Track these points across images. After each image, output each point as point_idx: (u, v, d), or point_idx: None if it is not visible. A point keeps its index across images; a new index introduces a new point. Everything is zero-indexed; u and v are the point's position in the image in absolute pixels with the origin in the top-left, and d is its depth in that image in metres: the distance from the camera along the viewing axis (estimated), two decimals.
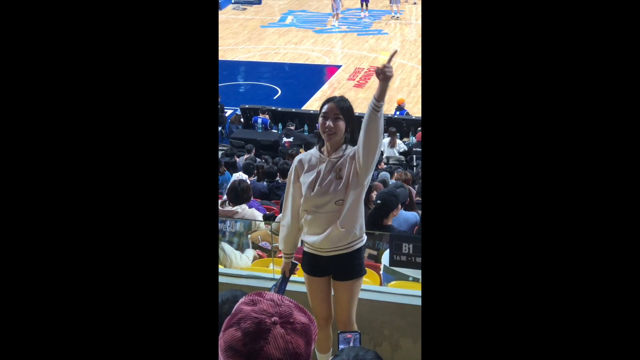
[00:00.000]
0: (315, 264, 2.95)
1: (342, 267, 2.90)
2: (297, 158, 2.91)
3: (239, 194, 4.72)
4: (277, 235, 4.53)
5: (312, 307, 3.04)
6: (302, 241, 3.00)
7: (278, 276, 3.56)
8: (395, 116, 11.85)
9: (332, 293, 3.02)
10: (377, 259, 4.17)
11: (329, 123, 2.73)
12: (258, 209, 5.40)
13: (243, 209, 4.78)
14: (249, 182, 5.85)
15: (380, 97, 2.59)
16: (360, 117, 2.67)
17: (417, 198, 5.70)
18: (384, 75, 2.58)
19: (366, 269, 3.79)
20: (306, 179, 2.81)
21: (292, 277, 3.63)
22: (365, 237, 2.93)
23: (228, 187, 4.94)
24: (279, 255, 4.36)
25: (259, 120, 11.99)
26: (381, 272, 3.68)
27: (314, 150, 2.88)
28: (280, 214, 3.01)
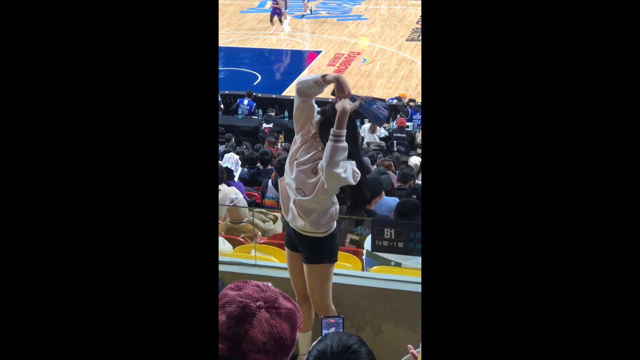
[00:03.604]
0: (289, 236, 3.04)
1: (307, 249, 2.94)
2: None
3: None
4: (258, 225, 4.55)
5: (291, 281, 3.12)
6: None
7: (261, 262, 3.56)
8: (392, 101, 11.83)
9: None
10: (359, 244, 4.18)
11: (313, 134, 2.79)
12: (242, 193, 5.39)
13: (223, 187, 4.81)
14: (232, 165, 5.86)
15: (339, 125, 2.60)
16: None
17: (398, 183, 5.73)
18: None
19: (349, 254, 3.82)
20: (305, 133, 2.82)
21: (276, 264, 3.64)
22: (333, 228, 2.93)
23: None
24: (261, 241, 4.37)
25: (245, 102, 11.92)
26: (364, 257, 3.70)
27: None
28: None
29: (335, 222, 2.93)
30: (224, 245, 4.09)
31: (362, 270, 3.67)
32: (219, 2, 19.23)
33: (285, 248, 3.11)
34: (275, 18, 16.68)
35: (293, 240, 3.00)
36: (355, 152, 2.73)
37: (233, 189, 4.98)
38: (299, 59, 15.60)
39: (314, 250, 2.92)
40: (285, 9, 16.98)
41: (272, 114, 11.37)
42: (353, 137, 2.72)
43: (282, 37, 16.74)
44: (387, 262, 3.49)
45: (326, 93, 2.86)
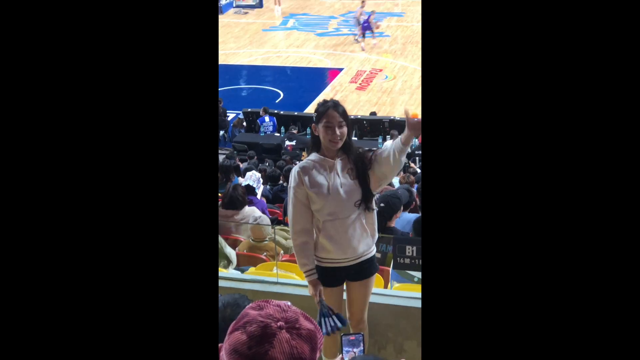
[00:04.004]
0: (332, 275, 2.90)
1: (360, 270, 2.90)
2: (297, 167, 2.81)
3: (233, 200, 4.78)
4: (280, 242, 4.56)
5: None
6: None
7: (283, 280, 3.57)
8: (398, 119, 11.85)
9: (345, 297, 3.01)
10: (382, 261, 4.17)
11: (338, 132, 2.70)
12: (263, 211, 5.41)
13: (244, 209, 4.83)
14: (253, 186, 5.87)
15: (406, 142, 2.61)
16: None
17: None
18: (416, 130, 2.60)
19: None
20: (319, 183, 2.74)
21: (298, 281, 3.63)
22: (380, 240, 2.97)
23: (224, 192, 4.99)
24: (283, 258, 4.38)
25: (267, 119, 11.96)
26: (391, 270, 3.68)
27: (314, 156, 2.80)
28: (292, 228, 2.85)
29: None
30: (226, 248, 4.13)
31: (385, 287, 3.66)
32: (242, 21, 19.47)
33: (331, 289, 2.92)
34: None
35: (342, 276, 2.92)
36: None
37: (254, 208, 5.00)
38: (320, 77, 15.67)
39: (366, 267, 2.91)
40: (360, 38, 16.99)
41: (295, 131, 11.42)
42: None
43: (303, 54, 16.84)
44: (411, 279, 3.49)
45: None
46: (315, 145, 2.80)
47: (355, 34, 17.47)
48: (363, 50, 16.73)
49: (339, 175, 2.75)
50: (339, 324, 2.74)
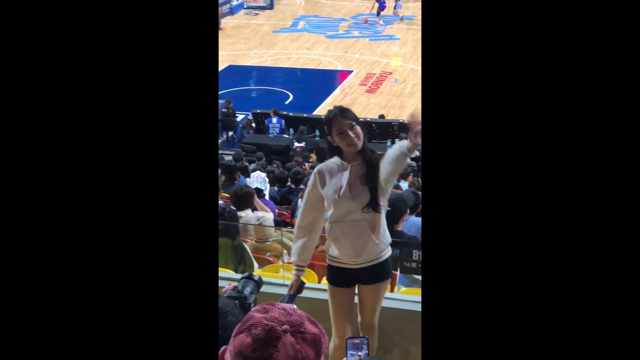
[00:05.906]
0: (342, 276, 2.92)
1: (371, 274, 2.90)
2: (316, 168, 2.89)
3: (240, 199, 4.78)
4: (287, 244, 4.55)
5: (334, 318, 2.99)
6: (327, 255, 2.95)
7: (289, 281, 3.56)
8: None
9: (357, 299, 3.00)
10: (392, 265, 4.16)
11: (352, 134, 2.71)
12: (273, 212, 5.41)
13: (247, 214, 4.82)
14: (261, 187, 5.87)
15: (411, 150, 2.60)
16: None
17: None
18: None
19: None
20: (331, 185, 2.79)
21: (305, 284, 3.62)
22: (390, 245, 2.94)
23: (232, 191, 4.99)
24: (289, 260, 4.37)
25: (274, 120, 11.98)
26: (398, 274, 3.68)
27: (335, 159, 2.84)
28: (297, 222, 2.95)
29: None
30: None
31: (392, 291, 3.65)
32: (253, 22, 19.51)
33: (332, 287, 2.97)
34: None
35: (351, 278, 2.93)
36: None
37: (257, 214, 5.01)
38: (330, 79, 15.68)
39: (378, 271, 2.90)
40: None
41: (304, 133, 11.44)
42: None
43: (313, 56, 16.86)
44: (419, 282, 3.48)
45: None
46: (336, 151, 2.83)
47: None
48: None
49: (350, 179, 2.76)
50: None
